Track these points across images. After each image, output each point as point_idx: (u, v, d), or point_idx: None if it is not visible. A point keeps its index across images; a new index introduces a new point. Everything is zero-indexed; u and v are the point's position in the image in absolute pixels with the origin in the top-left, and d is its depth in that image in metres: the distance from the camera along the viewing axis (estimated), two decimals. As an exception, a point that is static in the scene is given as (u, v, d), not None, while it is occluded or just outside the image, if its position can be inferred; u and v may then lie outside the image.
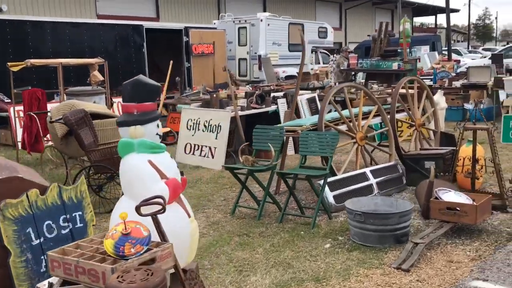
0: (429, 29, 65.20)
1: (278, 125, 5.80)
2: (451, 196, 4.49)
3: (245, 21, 18.36)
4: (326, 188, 5.16)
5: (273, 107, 8.63)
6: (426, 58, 24.64)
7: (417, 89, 7.23)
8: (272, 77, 14.91)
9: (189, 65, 14.83)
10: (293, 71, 18.71)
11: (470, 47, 53.72)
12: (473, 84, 11.76)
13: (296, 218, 5.02)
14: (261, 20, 17.66)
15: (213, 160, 7.61)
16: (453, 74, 15.18)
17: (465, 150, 5.82)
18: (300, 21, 20.16)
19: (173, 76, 16.16)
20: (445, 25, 78.96)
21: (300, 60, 7.21)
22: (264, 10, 36.68)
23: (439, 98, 9.65)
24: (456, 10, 63.75)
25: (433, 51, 30.96)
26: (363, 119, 6.20)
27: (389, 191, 5.81)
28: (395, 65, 9.85)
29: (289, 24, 18.88)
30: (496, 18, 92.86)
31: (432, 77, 13.97)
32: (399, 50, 10.25)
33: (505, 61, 19.25)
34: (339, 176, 5.46)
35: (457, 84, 11.94)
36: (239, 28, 18.33)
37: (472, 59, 30.33)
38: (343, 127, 5.90)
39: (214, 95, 8.19)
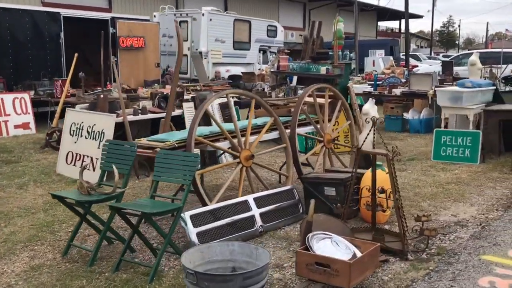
0: (393, 34, 65.29)
1: (132, 141, 4.65)
2: (327, 245, 3.46)
3: (187, 14, 17.18)
4: (189, 224, 4.07)
5: (177, 112, 7.49)
6: (380, 62, 24.01)
7: (331, 99, 6.24)
8: (203, 76, 13.77)
9: (116, 59, 13.50)
10: (238, 70, 17.65)
11: (432, 53, 53.89)
12: (413, 92, 10.92)
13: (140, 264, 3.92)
14: (203, 15, 16.50)
15: (94, 174, 6.42)
16: (404, 80, 14.39)
17: (370, 177, 4.82)
18: (247, 17, 19.06)
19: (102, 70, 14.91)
20: (410, 30, 79.41)
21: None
22: (226, 8, 35.43)
23: (370, 108, 8.70)
24: (420, 16, 63.92)
25: (391, 55, 30.52)
26: (254, 133, 5.14)
27: (278, 223, 4.76)
28: (323, 69, 8.87)
29: (234, 20, 17.77)
30: (459, 26, 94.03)
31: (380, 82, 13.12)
32: (330, 53, 9.28)
33: (457, 69, 18.70)
34: (210, 206, 4.37)
35: (397, 92, 11.07)
36: (180, 22, 17.11)
37: (430, 65, 29.84)
38: (223, 144, 4.82)
39: (102, 96, 6.98)
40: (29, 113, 10.73)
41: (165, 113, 7.36)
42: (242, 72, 17.26)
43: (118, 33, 13.46)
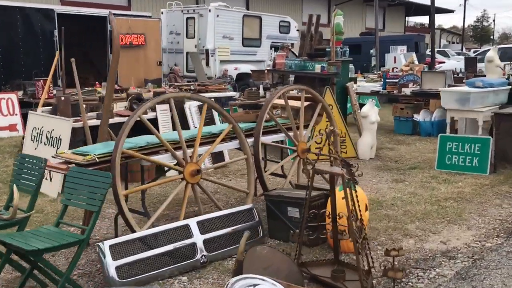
0: (423, 29, 63.46)
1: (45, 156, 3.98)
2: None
3: (194, 10, 16.54)
4: (108, 256, 3.39)
5: (150, 115, 6.82)
6: (402, 59, 22.92)
7: (310, 102, 5.47)
8: (202, 75, 13.09)
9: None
10: (247, 68, 16.91)
11: (464, 49, 51.99)
12: (424, 92, 9.98)
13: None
14: (210, 11, 15.82)
15: (50, 185, 5.83)
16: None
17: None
18: (257, 13, 18.30)
19: (100, 69, 14.46)
20: (441, 26, 76.89)
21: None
22: (247, 6, 34.77)
23: (369, 110, 7.87)
24: (450, 11, 61.94)
25: (416, 51, 29.26)
26: (206, 143, 4.42)
27: (230, 250, 4.02)
28: (318, 67, 8.07)
29: (243, 16, 17.03)
30: (494, 20, 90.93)
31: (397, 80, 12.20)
32: (327, 49, 8.45)
33: (482, 65, 17.52)
34: (138, 233, 3.68)
35: (407, 91, 10.14)
36: (187, 19, 16.51)
37: (458, 62, 28.44)
38: (164, 157, 4.11)
39: (63, 98, 6.36)
40: (16, 114, 10.29)
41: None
42: (251, 70, 16.52)
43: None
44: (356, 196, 3.35)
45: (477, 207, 5.21)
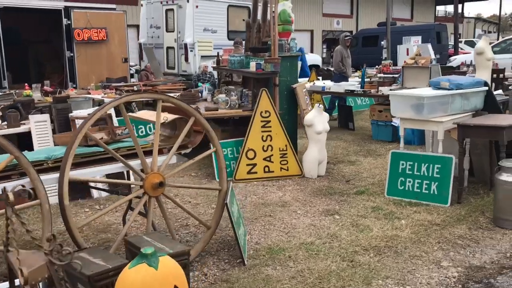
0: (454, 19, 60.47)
1: None
2: None
3: (173, 1, 15.16)
4: None
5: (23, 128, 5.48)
6: (415, 50, 20.97)
7: (179, 115, 4.01)
8: (157, 72, 11.68)
9: (72, 54, 11.78)
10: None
11: (500, 39, 48.92)
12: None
13: None
14: (188, 1, 14.42)
15: None
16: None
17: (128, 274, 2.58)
18: (245, 3, 16.76)
19: (55, 67, 13.26)
20: (480, 15, 73.09)
21: None
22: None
23: (315, 117, 6.32)
24: (484, -2, 58.85)
25: (438, 42, 27.17)
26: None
27: None
28: (252, 65, 6.56)
29: (228, 7, 15.56)
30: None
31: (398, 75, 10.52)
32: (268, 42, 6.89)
33: (499, 57, 15.53)
34: None
35: (384, 90, 8.49)
36: (166, 11, 15.18)
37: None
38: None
39: None
40: None
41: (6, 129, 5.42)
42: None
43: (73, 25, 11.67)
44: None
45: (402, 267, 3.64)
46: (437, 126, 5.01)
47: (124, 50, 12.59)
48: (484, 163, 5.52)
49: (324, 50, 45.65)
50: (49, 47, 13.12)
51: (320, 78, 12.70)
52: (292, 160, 6.42)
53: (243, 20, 7.94)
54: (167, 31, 15.24)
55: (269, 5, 6.75)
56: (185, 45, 14.52)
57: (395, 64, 18.64)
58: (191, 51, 14.67)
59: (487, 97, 5.47)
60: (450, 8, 65.44)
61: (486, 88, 5.44)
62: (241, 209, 5.09)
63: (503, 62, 15.18)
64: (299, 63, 18.26)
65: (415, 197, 5.11)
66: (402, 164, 5.25)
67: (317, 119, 6.33)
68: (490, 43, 8.77)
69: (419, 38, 22.07)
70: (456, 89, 5.22)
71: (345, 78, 10.96)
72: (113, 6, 12.85)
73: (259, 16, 7.44)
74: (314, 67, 18.63)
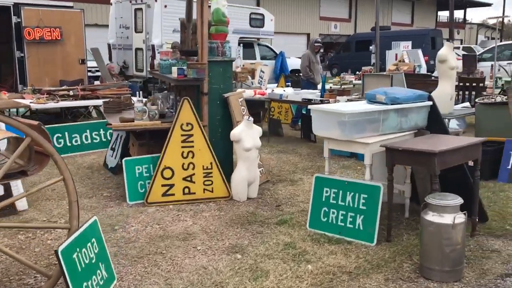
0: (456, 25, 59.71)
1: None
2: None
3: (142, 0, 14.41)
4: None
5: None
6: (405, 56, 20.12)
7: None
8: (106, 75, 10.90)
9: (22, 55, 11.03)
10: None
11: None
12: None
13: None
14: (156, 0, 13.67)
15: None
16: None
17: None
18: (220, 3, 15.93)
19: (6, 68, 12.52)
20: (486, 21, 72.28)
21: None
22: (257, 3, 32.54)
23: (242, 132, 5.50)
24: (488, 4, 58.10)
25: (433, 48, 26.37)
26: None
27: None
28: (174, 71, 5.76)
29: (200, 7, 14.76)
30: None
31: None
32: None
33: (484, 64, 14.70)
34: None
35: (342, 100, 7.67)
36: (135, 10, 14.43)
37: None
38: None
39: None
40: None
41: None
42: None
43: (24, 23, 10.93)
44: None
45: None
46: (364, 148, 4.18)
47: (81, 51, 11.84)
48: (429, 189, 4.69)
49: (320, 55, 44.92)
50: (4, 46, 12.37)
51: (289, 84, 11.89)
52: (218, 180, 5.61)
53: (178, 19, 7.10)
54: (136, 31, 14.50)
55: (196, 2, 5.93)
56: (153, 46, 13.79)
57: (383, 69, 17.85)
58: (159, 52, 13.86)
59: (431, 113, 4.64)
60: (455, 14, 64.57)
61: (430, 102, 4.61)
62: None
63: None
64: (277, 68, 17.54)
65: (339, 232, 4.29)
66: (326, 192, 4.43)
67: (245, 133, 5.52)
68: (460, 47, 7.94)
69: (409, 43, 21.22)
70: (392, 104, 4.40)
71: (313, 84, 10.16)
72: (70, 4, 12.08)
73: (195, 15, 6.64)
74: (296, 72, 17.85)
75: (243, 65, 15.28)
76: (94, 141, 8.18)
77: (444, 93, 6.58)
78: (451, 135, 6.65)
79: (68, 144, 7.94)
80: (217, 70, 6.02)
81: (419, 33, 26.49)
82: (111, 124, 5.52)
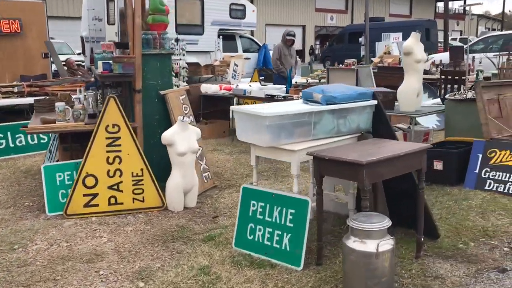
0: (457, 16, 58.96)
1: None
2: None
3: (114, -8, 13.75)
4: None
5: None
6: (395, 48, 19.44)
7: None
8: (61, 71, 10.28)
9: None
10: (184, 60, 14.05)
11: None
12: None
13: None
14: (127, -9, 13.00)
15: None
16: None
17: None
18: (196, -6, 15.33)
19: None
20: (488, 12, 71.21)
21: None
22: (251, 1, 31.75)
23: (174, 134, 4.90)
24: (488, -6, 57.18)
25: (427, 39, 25.70)
26: None
27: None
28: (100, 65, 5.16)
29: (175, -2, 14.13)
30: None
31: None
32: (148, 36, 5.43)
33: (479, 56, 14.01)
34: None
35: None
36: (107, 1, 13.77)
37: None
38: None
39: None
40: None
41: None
42: (186, 63, 13.65)
43: (-21, 15, 10.34)
44: None
45: None
46: (290, 156, 3.58)
47: (44, 45, 11.20)
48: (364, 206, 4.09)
49: (317, 46, 44.14)
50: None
51: (263, 78, 11.28)
52: (150, 188, 5.02)
53: (119, 8, 6.48)
54: (108, 23, 13.82)
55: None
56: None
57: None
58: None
59: (376, 114, 4.03)
60: (454, 4, 63.53)
61: (374, 102, 4.00)
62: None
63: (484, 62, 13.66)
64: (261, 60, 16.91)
65: (264, 252, 3.70)
66: (253, 205, 3.84)
67: (179, 136, 4.92)
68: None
69: (399, 34, 20.53)
70: (327, 104, 3.80)
71: (284, 78, 9.54)
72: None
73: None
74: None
75: (223, 58, 14.70)
76: (42, 141, 7.61)
77: (411, 88, 5.97)
78: (424, 132, 6.04)
79: (11, 145, 7.38)
80: (153, 65, 5.44)
81: (412, 24, 25.72)
82: (26, 127, 4.93)
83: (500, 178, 5.06)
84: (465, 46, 15.39)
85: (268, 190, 3.80)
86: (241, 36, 16.55)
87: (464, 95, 6.08)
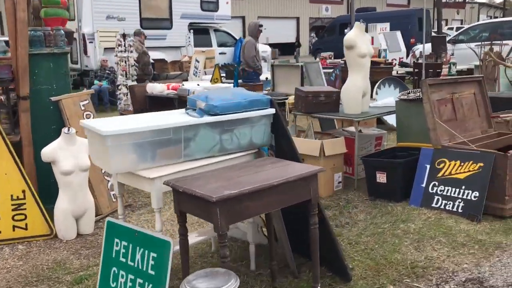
0: (458, 5, 57.83)
1: None
2: None
3: (74, -15, 12.98)
4: None
5: None
6: (381, 39, 18.54)
7: None
8: None
9: None
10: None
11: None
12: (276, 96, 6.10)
13: None
14: (85, -17, 12.26)
15: None
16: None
17: None
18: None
19: None
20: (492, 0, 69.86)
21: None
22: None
23: (58, 149, 4.12)
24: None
25: (419, 29, 24.73)
26: None
27: None
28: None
29: (139, -9, 13.35)
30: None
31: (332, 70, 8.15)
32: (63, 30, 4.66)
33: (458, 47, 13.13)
34: None
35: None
36: (69, -4, 13.00)
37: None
38: None
39: None
40: None
41: None
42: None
43: None
44: None
45: None
46: (149, 185, 2.79)
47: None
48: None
49: (313, 40, 43.13)
50: None
51: (224, 75, 10.51)
52: (34, 213, 4.26)
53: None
54: (69, 19, 13.08)
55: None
56: (83, 35, 12.41)
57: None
58: (91, 42, 12.53)
59: (274, 126, 3.23)
60: (453, -7, 62.33)
61: (272, 111, 3.19)
62: None
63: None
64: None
65: (125, 305, 2.92)
66: (117, 244, 3.06)
67: (62, 152, 4.14)
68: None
69: (387, 25, 19.63)
70: (209, 115, 3.00)
71: (259, 76, 8.66)
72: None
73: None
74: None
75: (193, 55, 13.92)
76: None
77: (354, 87, 5.16)
78: (376, 136, 5.21)
79: None
80: (45, 66, 4.67)
81: (403, 14, 24.82)
82: None
83: (448, 193, 4.26)
84: (450, 36, 14.51)
85: (131, 227, 3.01)
86: (215, 30, 15.74)
87: (419, 94, 5.26)
